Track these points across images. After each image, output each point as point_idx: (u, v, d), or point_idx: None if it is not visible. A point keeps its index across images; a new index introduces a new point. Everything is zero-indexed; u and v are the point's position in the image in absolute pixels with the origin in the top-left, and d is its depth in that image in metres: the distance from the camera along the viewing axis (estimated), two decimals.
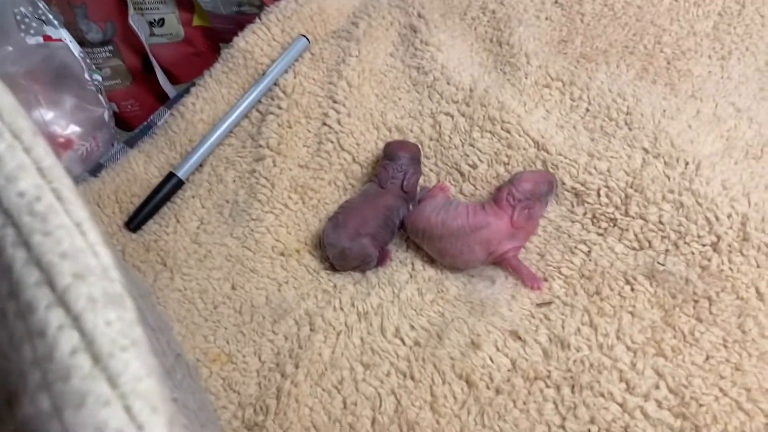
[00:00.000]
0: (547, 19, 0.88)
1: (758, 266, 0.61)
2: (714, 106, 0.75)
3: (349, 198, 0.73)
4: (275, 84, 0.83)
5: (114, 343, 0.27)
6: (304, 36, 0.86)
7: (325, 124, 0.79)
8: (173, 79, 0.97)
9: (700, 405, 0.54)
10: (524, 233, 0.67)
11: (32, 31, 0.76)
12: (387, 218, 0.69)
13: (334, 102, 0.80)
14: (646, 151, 0.69)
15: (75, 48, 0.79)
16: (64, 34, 0.79)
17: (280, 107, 0.81)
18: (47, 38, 0.77)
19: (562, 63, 0.82)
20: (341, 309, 0.66)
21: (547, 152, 0.72)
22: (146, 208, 0.75)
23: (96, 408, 0.25)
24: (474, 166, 0.74)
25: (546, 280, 0.66)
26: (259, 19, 0.87)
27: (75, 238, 0.30)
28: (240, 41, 0.86)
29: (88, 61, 0.81)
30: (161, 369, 0.38)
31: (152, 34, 0.94)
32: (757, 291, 0.59)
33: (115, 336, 0.27)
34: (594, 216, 0.67)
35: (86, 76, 0.80)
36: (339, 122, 0.79)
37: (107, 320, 0.27)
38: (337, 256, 0.68)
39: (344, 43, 0.86)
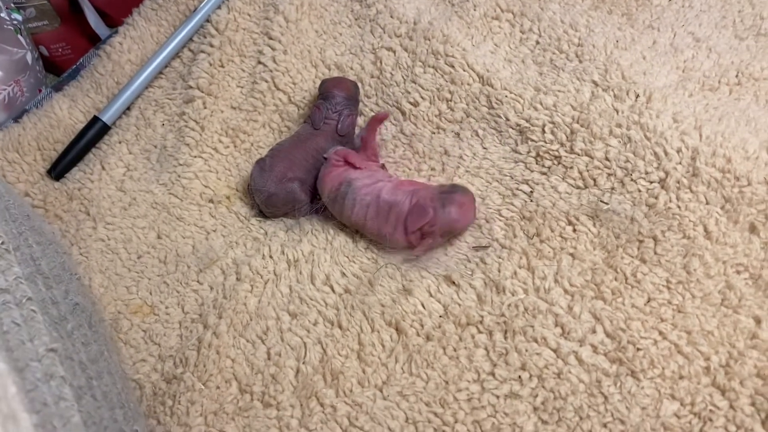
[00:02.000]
0: None
1: (707, 203, 0.57)
2: (672, 36, 0.70)
3: (280, 140, 0.69)
4: (207, 21, 0.77)
5: None
6: None
7: (260, 62, 0.74)
8: (109, 22, 0.91)
9: (638, 349, 0.51)
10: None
11: None
12: (318, 162, 0.65)
13: (270, 38, 0.75)
14: (595, 84, 0.65)
15: None
16: None
17: (212, 45, 0.76)
18: None
19: None
20: (270, 257, 0.62)
21: (492, 87, 0.67)
22: (69, 154, 0.71)
23: None
24: (415, 104, 0.69)
25: (487, 221, 0.62)
26: None
27: None
28: None
29: None
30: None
31: None
32: (705, 229, 0.56)
33: None
34: (538, 154, 0.63)
35: (3, 15, 0.75)
36: (274, 60, 0.73)
37: None
38: (265, 202, 0.64)
39: None
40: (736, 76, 0.66)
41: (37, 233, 0.52)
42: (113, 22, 0.92)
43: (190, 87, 0.73)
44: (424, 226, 0.57)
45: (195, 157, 0.70)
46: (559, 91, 0.65)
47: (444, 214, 0.56)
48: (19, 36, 0.76)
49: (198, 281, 0.62)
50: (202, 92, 0.73)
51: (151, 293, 0.62)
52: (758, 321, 0.51)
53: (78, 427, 0.37)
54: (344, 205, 0.60)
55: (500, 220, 0.61)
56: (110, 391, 0.45)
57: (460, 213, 0.57)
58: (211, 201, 0.68)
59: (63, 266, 0.52)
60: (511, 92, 0.66)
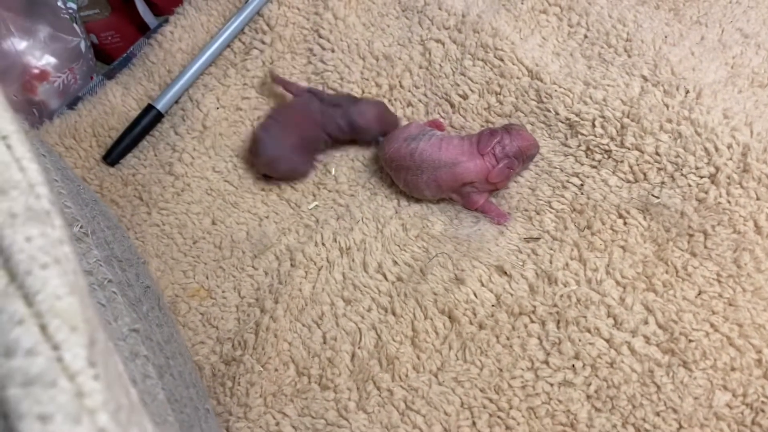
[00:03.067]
0: None
1: (758, 198, 0.58)
2: (720, 32, 0.71)
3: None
4: (258, 14, 0.78)
5: (33, 260, 0.24)
6: None
7: (310, 62, 0.76)
8: (156, 11, 0.92)
9: (690, 341, 0.52)
10: (493, 187, 0.63)
11: None
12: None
13: (320, 36, 0.76)
14: (644, 78, 0.66)
15: None
16: None
17: (263, 42, 0.77)
18: None
19: None
20: (323, 244, 0.64)
21: (541, 81, 0.68)
22: (124, 141, 0.72)
23: (8, 326, 0.23)
24: (465, 97, 0.70)
25: (538, 213, 0.63)
26: None
27: None
28: None
29: None
30: (92, 289, 0.36)
31: None
32: (756, 224, 0.57)
33: (35, 253, 0.25)
34: (588, 148, 0.64)
35: (60, 3, 0.76)
36: (323, 60, 0.75)
37: (27, 236, 0.25)
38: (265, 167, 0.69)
39: None
40: None
41: (106, 218, 0.54)
42: (160, 11, 0.93)
43: (246, 85, 0.75)
44: (495, 146, 0.60)
45: (248, 151, 0.71)
46: (608, 85, 0.66)
47: (513, 137, 0.61)
48: (74, 24, 0.78)
49: (253, 266, 0.64)
50: (257, 92, 0.75)
51: (207, 278, 0.64)
52: None
53: (163, 404, 0.39)
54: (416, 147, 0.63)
55: (551, 212, 0.62)
56: (183, 370, 0.47)
57: (525, 134, 0.62)
58: (263, 190, 0.69)
59: (131, 250, 0.54)
60: (560, 86, 0.67)
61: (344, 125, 0.68)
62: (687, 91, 0.63)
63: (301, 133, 0.68)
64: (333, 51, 0.75)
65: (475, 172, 0.61)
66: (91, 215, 0.51)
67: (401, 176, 0.64)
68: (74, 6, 0.79)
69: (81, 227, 0.47)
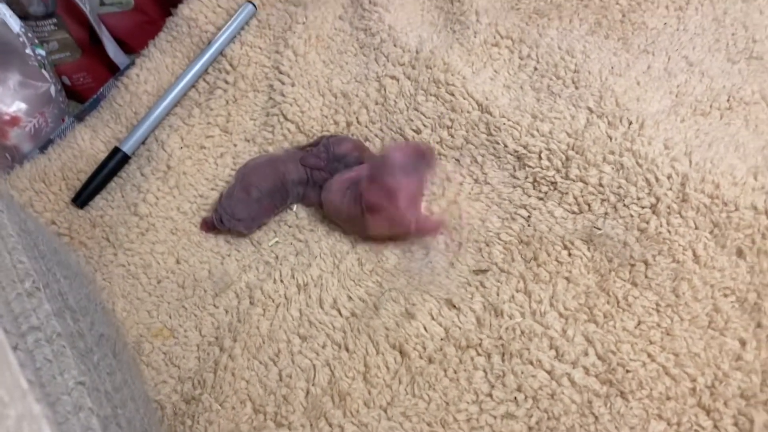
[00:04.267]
0: None
1: (696, 228, 0.59)
2: (666, 60, 0.73)
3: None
4: (221, 55, 0.81)
5: None
6: (251, 2, 0.83)
7: (270, 97, 0.78)
8: (128, 50, 0.95)
9: (627, 371, 0.54)
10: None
11: None
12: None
13: (280, 72, 0.79)
14: (590, 110, 0.68)
15: (15, 23, 0.78)
16: (3, 9, 0.77)
17: (226, 82, 0.79)
18: None
19: (514, 19, 0.79)
20: (281, 281, 0.66)
21: (491, 114, 0.70)
22: (92, 184, 0.75)
23: None
24: (418, 131, 0.72)
25: (487, 245, 0.65)
26: None
27: None
28: (184, 9, 0.84)
29: (29, 35, 0.80)
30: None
31: (102, 3, 0.92)
32: (694, 253, 0.58)
33: None
34: (535, 180, 0.66)
35: (28, 51, 0.79)
36: (283, 93, 0.77)
37: None
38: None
39: (292, 8, 0.84)
40: (728, 100, 0.68)
41: (64, 267, 0.56)
42: (132, 50, 0.96)
43: (210, 123, 0.77)
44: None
45: (211, 189, 0.73)
46: (555, 118, 0.68)
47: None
48: (43, 70, 0.81)
49: (214, 305, 0.66)
50: (221, 130, 0.77)
51: (170, 317, 0.66)
52: (743, 343, 0.54)
53: None
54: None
55: (499, 244, 0.64)
56: (133, 417, 0.49)
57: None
58: None
59: (88, 297, 0.56)
60: (509, 119, 0.69)
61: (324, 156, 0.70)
62: (630, 123, 0.65)
63: (265, 186, 0.69)
64: (293, 85, 0.78)
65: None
66: (47, 267, 0.53)
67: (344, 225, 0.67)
68: (43, 53, 0.81)
69: (33, 281, 0.49)
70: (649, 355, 0.54)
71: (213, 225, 0.70)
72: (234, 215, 0.68)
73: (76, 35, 0.87)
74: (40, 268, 0.52)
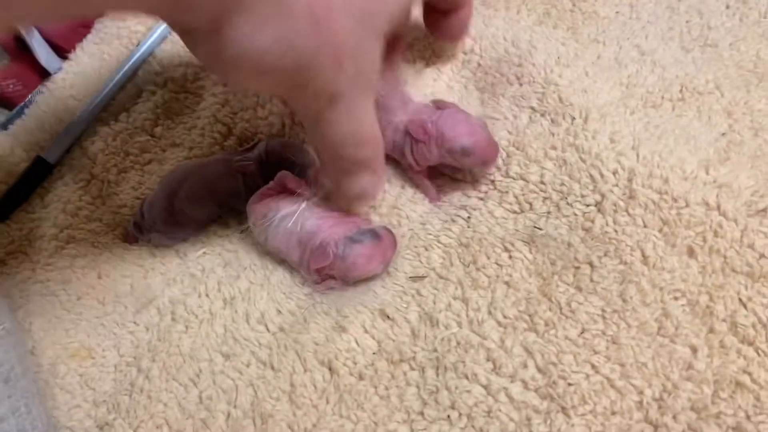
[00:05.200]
0: None
1: (645, 226, 0.55)
2: (617, 50, 0.69)
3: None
4: (152, 56, 0.77)
5: None
6: None
7: (201, 98, 0.74)
8: (63, 54, 0.90)
9: (569, 384, 0.49)
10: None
11: None
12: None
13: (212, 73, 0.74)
14: (533, 109, 0.63)
15: None
16: None
17: (155, 84, 0.75)
18: None
19: None
20: (206, 295, 0.61)
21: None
22: (13, 196, 0.70)
23: None
24: None
25: (426, 249, 0.60)
26: None
27: None
28: None
29: None
30: None
31: None
32: (642, 254, 0.54)
33: None
34: (474, 180, 0.62)
35: None
36: (213, 94, 0.73)
37: None
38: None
39: None
40: (680, 90, 0.64)
41: None
42: (66, 53, 0.92)
43: (136, 128, 0.73)
44: (323, 268, 0.56)
45: (136, 198, 0.69)
46: (496, 118, 0.64)
47: (343, 263, 0.55)
48: None
49: (134, 322, 0.61)
50: (148, 134, 0.73)
51: (88, 336, 0.61)
52: (694, 350, 0.49)
53: None
54: (268, 233, 0.59)
55: (438, 247, 0.60)
56: None
57: (360, 264, 0.55)
58: None
59: None
60: None
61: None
62: (573, 118, 0.61)
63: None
64: (224, 86, 0.73)
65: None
66: None
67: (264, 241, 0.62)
68: None
69: None
70: (593, 366, 0.50)
71: (134, 237, 0.65)
72: (154, 226, 0.63)
73: (1, 41, 0.83)
74: None
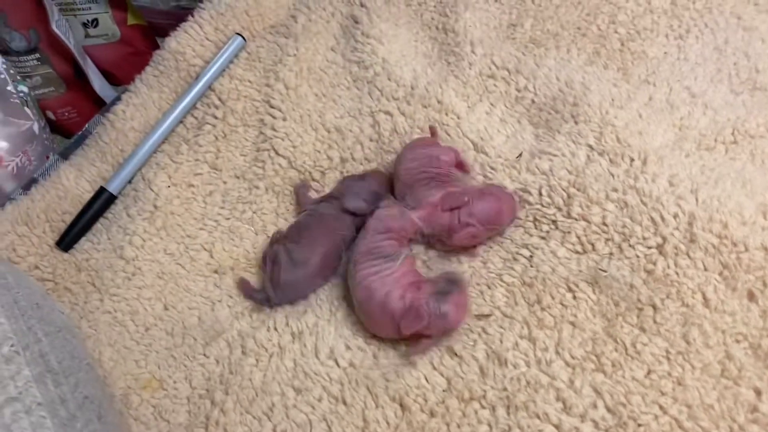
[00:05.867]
0: (496, 1, 0.83)
1: (705, 269, 0.57)
2: (668, 92, 0.71)
3: (299, 219, 0.70)
4: (210, 89, 0.79)
5: None
6: (240, 34, 0.81)
7: (261, 132, 0.76)
8: (115, 81, 0.93)
9: (639, 425, 0.51)
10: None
11: None
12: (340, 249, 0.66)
13: (271, 107, 0.76)
14: (590, 147, 0.66)
15: None
16: None
17: (215, 117, 0.77)
18: None
19: (509, 49, 0.77)
20: (275, 329, 0.63)
21: (486, 155, 0.68)
22: (77, 226, 0.72)
23: None
24: None
25: (489, 288, 0.62)
26: (192, 16, 0.83)
27: None
28: (171, 42, 0.82)
29: (11, 71, 0.77)
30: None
31: (87, 36, 0.90)
32: (704, 297, 0.56)
33: None
34: (536, 219, 0.64)
35: (10, 88, 0.76)
36: (274, 127, 0.75)
37: None
38: (284, 295, 0.65)
39: (282, 40, 0.81)
40: (732, 133, 0.66)
41: (46, 323, 0.54)
42: (118, 82, 0.94)
43: (198, 161, 0.75)
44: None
45: (200, 229, 0.71)
46: (554, 155, 0.66)
47: (441, 319, 0.57)
48: (25, 108, 0.78)
49: (204, 354, 0.63)
50: (210, 167, 0.75)
51: (159, 367, 0.63)
52: (758, 393, 0.51)
53: None
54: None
55: (501, 286, 0.62)
56: None
57: (456, 314, 0.57)
58: (215, 272, 0.69)
59: (72, 355, 0.54)
60: (506, 159, 0.67)
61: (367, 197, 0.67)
62: (632, 159, 0.63)
63: (323, 251, 0.65)
64: (285, 119, 0.75)
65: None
66: (27, 326, 0.50)
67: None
68: (25, 89, 0.79)
69: (12, 346, 0.46)
70: (661, 407, 0.52)
71: (252, 296, 0.66)
72: (294, 293, 0.65)
73: (59, 70, 0.85)
74: (20, 329, 0.49)
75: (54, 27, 0.79)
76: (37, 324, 0.52)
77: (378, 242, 0.61)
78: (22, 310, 0.52)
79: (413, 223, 0.62)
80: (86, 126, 0.83)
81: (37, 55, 0.83)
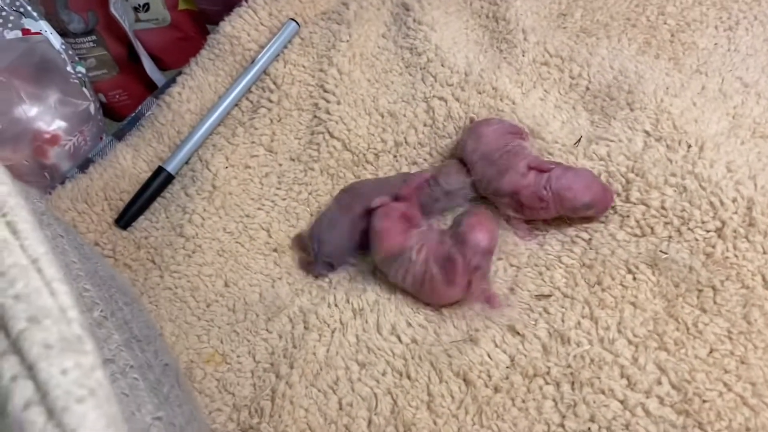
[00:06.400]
0: None
1: (765, 252, 0.58)
2: (720, 81, 0.72)
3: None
4: (265, 73, 0.80)
5: (69, 395, 0.25)
6: (293, 20, 0.82)
7: (315, 116, 0.77)
8: (162, 66, 0.94)
9: (704, 401, 0.52)
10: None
11: (10, 25, 0.73)
12: None
13: (325, 91, 0.78)
14: (647, 133, 0.67)
15: (56, 40, 0.77)
16: (44, 26, 0.76)
17: (270, 101, 0.79)
18: (26, 32, 0.74)
19: (561, 38, 0.78)
20: (336, 305, 0.64)
21: (543, 140, 0.69)
22: (136, 204, 0.74)
23: None
24: None
25: (548, 269, 0.63)
26: (246, 1, 0.84)
27: (31, 277, 0.28)
28: (226, 26, 0.83)
29: (70, 52, 0.79)
30: (129, 408, 0.37)
31: (138, 20, 0.91)
32: (764, 279, 0.57)
33: (71, 386, 0.25)
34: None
35: (69, 68, 0.78)
36: (328, 111, 0.76)
37: (63, 369, 0.26)
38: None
39: (335, 26, 0.83)
40: None
41: (123, 293, 0.55)
42: (166, 66, 0.95)
43: (254, 143, 0.76)
44: (466, 274, 0.60)
45: (257, 209, 0.72)
46: (611, 140, 0.67)
47: (468, 249, 0.59)
48: (83, 88, 0.79)
49: (267, 330, 0.65)
50: (265, 149, 0.76)
51: (222, 342, 0.65)
52: None
53: None
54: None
55: (560, 267, 0.63)
56: None
57: (478, 234, 0.59)
58: (275, 250, 0.70)
59: (148, 325, 0.55)
60: (563, 144, 0.68)
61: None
62: (689, 145, 0.64)
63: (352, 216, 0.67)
64: (339, 104, 0.77)
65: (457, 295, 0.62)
66: (109, 294, 0.51)
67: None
68: (83, 70, 0.80)
69: (101, 311, 0.47)
70: (726, 385, 0.53)
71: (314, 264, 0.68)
72: (338, 251, 0.67)
73: (114, 52, 0.86)
74: (104, 296, 0.50)
75: (112, 9, 0.81)
76: (117, 293, 0.53)
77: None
78: (103, 279, 0.53)
79: None
80: (139, 108, 0.84)
81: (93, 37, 0.84)
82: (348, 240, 0.67)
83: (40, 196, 0.71)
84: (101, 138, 0.83)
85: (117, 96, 0.90)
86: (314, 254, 0.67)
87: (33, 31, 0.75)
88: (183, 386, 0.52)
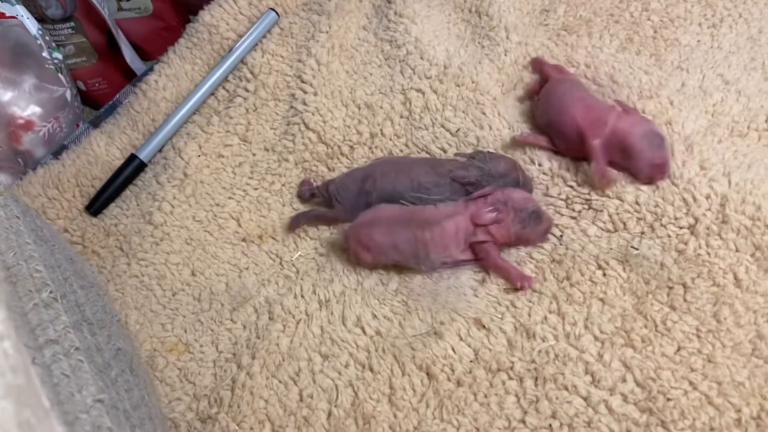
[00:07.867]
0: None
1: (737, 250, 0.57)
2: (701, 78, 0.71)
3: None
4: (242, 62, 0.79)
5: None
6: (273, 9, 0.82)
7: (292, 106, 0.76)
8: (144, 55, 0.94)
9: (668, 399, 0.51)
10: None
11: None
12: None
13: (302, 81, 0.77)
14: None
15: (32, 25, 0.76)
16: (21, 11, 0.76)
17: (247, 90, 0.78)
18: (1, 15, 0.74)
19: (543, 38, 0.77)
20: (302, 296, 0.63)
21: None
22: (107, 191, 0.73)
23: None
24: (444, 150, 0.70)
25: (518, 264, 0.62)
26: None
27: None
28: (205, 15, 0.82)
29: (47, 38, 0.78)
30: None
31: (120, 9, 0.90)
32: (735, 277, 0.56)
33: None
34: (568, 197, 0.64)
35: (45, 54, 0.77)
36: (305, 102, 0.75)
37: None
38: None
39: (315, 17, 0.82)
40: (766, 120, 0.66)
41: (80, 277, 0.54)
42: (148, 56, 0.95)
43: (228, 132, 0.75)
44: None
45: (228, 198, 0.71)
46: None
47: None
48: (59, 74, 0.79)
49: (231, 320, 0.64)
50: (240, 139, 0.75)
51: (185, 331, 0.64)
52: None
53: None
54: None
55: (531, 263, 0.62)
56: None
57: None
58: (243, 240, 0.69)
59: (104, 309, 0.54)
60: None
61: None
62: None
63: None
64: (315, 95, 0.76)
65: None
66: (63, 277, 0.50)
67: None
68: (60, 56, 0.80)
69: (50, 292, 0.46)
70: (691, 383, 0.52)
71: (310, 190, 0.70)
72: (338, 192, 0.67)
73: (93, 40, 0.86)
74: (57, 278, 0.49)
75: None
76: (72, 276, 0.52)
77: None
78: (58, 262, 0.52)
79: None
80: (117, 96, 0.83)
81: (72, 24, 0.84)
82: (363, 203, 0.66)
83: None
84: (78, 125, 0.83)
85: (96, 84, 0.90)
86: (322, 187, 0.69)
87: (8, 15, 0.74)
88: (137, 372, 0.52)
